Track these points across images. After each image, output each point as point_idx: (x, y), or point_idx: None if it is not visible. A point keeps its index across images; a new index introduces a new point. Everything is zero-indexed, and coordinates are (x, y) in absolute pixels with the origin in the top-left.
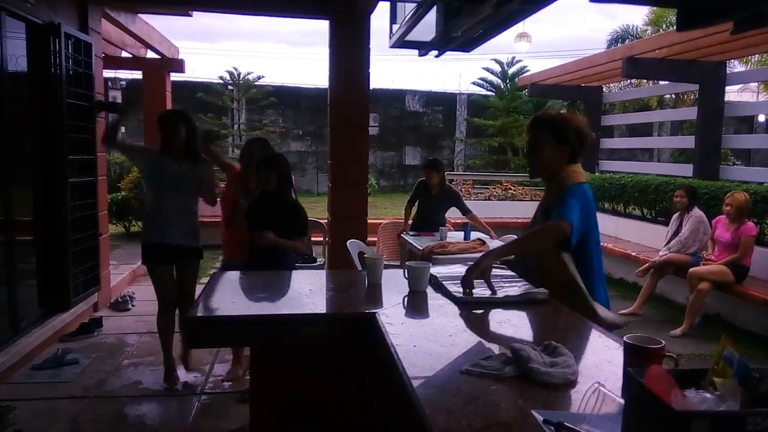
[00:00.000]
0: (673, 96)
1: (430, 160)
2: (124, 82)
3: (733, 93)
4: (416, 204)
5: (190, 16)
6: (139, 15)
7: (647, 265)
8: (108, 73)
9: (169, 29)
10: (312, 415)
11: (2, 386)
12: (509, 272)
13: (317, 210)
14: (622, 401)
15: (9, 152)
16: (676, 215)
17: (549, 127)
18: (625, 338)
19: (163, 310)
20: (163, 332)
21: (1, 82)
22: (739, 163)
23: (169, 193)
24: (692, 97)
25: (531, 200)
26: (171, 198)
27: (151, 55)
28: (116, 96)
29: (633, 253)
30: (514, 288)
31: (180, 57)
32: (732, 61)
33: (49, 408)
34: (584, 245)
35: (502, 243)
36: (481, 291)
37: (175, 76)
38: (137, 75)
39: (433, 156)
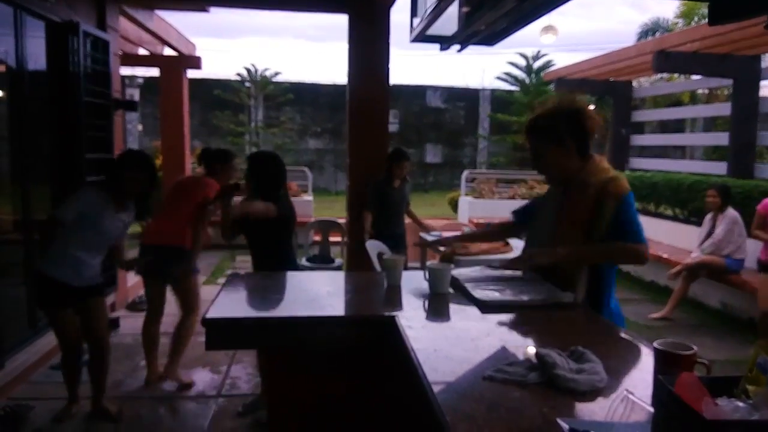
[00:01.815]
0: (706, 91)
1: (401, 149)
2: (141, 80)
3: None
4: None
5: (207, 12)
6: (156, 12)
7: (679, 267)
8: (125, 71)
9: (186, 26)
10: (330, 419)
11: (21, 385)
12: (533, 274)
13: (335, 209)
14: (652, 409)
15: (27, 151)
16: (709, 215)
17: (540, 131)
18: (655, 344)
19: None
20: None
21: (20, 80)
22: None
23: (104, 240)
24: (726, 93)
25: None
26: (102, 245)
27: (168, 52)
28: (133, 94)
29: (664, 255)
30: (539, 291)
31: (197, 54)
32: (767, 54)
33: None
34: None
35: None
36: (503, 295)
37: (192, 73)
38: (154, 72)
39: (454, 154)
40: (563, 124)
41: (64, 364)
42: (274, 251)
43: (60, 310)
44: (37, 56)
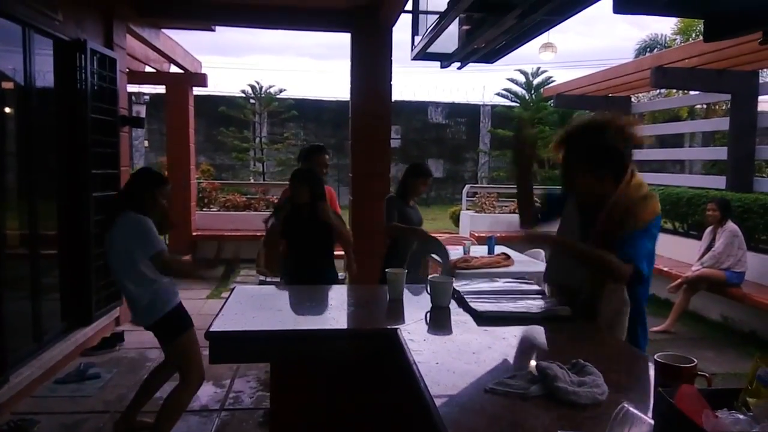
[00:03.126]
0: (704, 106)
1: (423, 164)
2: (147, 97)
3: (766, 103)
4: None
5: (213, 31)
6: (163, 30)
7: (680, 280)
8: (132, 88)
9: (192, 44)
10: (331, 431)
11: (26, 399)
12: (534, 287)
13: None
14: (652, 422)
15: (35, 166)
16: (709, 229)
17: (582, 152)
18: (655, 356)
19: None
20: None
21: (28, 97)
22: None
23: None
24: (724, 107)
25: None
26: None
27: (174, 69)
28: (140, 111)
29: (665, 269)
30: (537, 303)
31: (203, 71)
32: (765, 70)
33: (71, 422)
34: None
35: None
36: (501, 307)
37: (197, 90)
38: (161, 89)
39: (456, 169)
40: (604, 153)
41: (189, 398)
42: (315, 261)
43: (191, 330)
44: (44, 73)
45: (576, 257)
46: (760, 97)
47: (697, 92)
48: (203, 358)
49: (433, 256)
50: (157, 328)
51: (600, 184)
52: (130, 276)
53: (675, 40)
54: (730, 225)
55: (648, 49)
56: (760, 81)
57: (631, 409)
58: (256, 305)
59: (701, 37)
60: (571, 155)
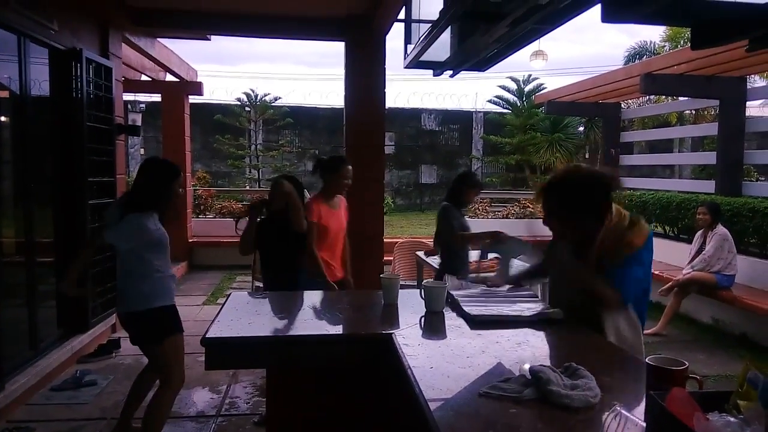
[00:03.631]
0: (693, 112)
1: (473, 174)
2: (143, 105)
3: (754, 108)
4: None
5: (209, 40)
6: (159, 39)
7: (670, 283)
8: (128, 96)
9: (187, 52)
10: None
11: (22, 407)
12: (527, 290)
13: None
14: (644, 425)
15: (31, 174)
16: (699, 233)
17: (558, 203)
18: (647, 359)
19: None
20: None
21: (24, 106)
22: (762, 179)
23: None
24: (713, 113)
25: None
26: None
27: (169, 78)
28: (136, 119)
29: (656, 272)
30: (529, 307)
31: (198, 80)
32: (752, 76)
33: (67, 429)
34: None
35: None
36: (494, 311)
37: (193, 99)
38: (157, 97)
39: (449, 175)
40: (583, 204)
41: (172, 400)
42: (291, 266)
43: (180, 335)
44: (40, 82)
45: (580, 284)
46: (748, 103)
47: (686, 98)
48: (199, 364)
49: (519, 257)
50: (147, 320)
51: (582, 229)
52: (138, 268)
53: (664, 47)
54: (720, 229)
55: (637, 56)
56: (748, 87)
57: (623, 412)
58: (252, 311)
59: (689, 44)
60: (557, 203)
